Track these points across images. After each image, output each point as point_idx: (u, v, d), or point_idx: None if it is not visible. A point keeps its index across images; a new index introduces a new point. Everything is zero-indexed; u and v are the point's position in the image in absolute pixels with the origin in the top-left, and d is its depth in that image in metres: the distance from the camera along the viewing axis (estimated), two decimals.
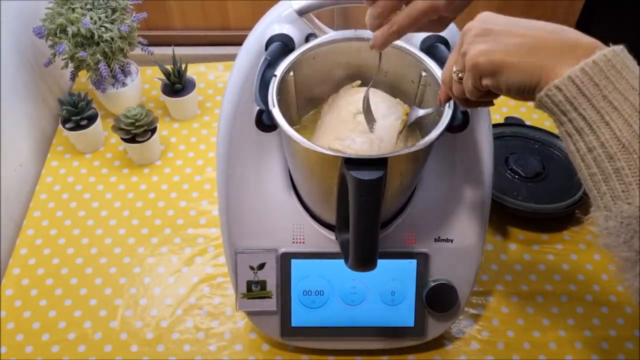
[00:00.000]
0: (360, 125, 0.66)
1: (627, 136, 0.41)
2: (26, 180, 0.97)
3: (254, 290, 0.74)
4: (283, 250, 0.73)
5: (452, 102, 0.60)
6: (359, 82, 0.72)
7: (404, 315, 0.75)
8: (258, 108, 0.61)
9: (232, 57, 0.71)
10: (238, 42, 0.70)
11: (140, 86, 1.05)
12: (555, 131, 0.99)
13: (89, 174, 0.98)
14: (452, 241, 0.74)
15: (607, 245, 0.45)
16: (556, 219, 0.91)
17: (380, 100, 0.68)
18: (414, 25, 0.53)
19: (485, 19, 0.48)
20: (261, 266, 0.74)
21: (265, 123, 0.62)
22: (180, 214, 0.93)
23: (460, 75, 0.50)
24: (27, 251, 0.88)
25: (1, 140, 0.90)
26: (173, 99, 1.02)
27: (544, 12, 1.15)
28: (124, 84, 1.01)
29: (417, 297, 0.75)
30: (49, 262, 0.87)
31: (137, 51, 1.02)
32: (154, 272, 0.86)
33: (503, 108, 1.09)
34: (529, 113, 1.08)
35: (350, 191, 0.58)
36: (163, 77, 1.01)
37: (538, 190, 0.91)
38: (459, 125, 0.63)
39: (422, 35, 0.68)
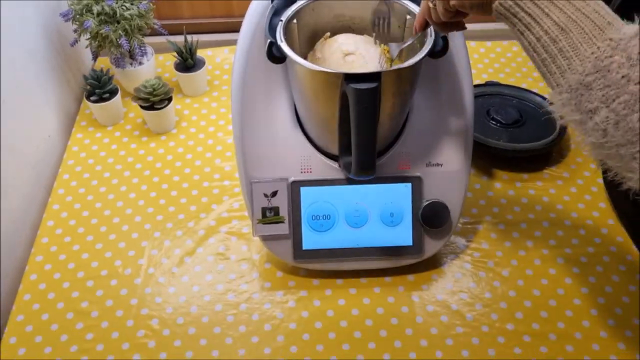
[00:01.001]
0: (354, 65, 0.76)
1: (564, 20, 0.52)
2: (54, 150, 1.07)
3: (268, 216, 0.83)
4: (293, 179, 0.83)
5: (428, 30, 0.71)
6: (328, 34, 0.81)
7: (403, 234, 0.85)
8: (269, 41, 0.72)
9: (236, 42, 0.81)
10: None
11: (154, 65, 1.16)
12: (530, 87, 1.11)
13: (111, 142, 1.08)
14: (441, 165, 0.83)
15: (563, 116, 0.56)
16: (534, 157, 1.01)
17: (358, 40, 0.79)
18: None
19: None
20: (274, 194, 0.83)
21: (275, 54, 0.73)
22: (196, 171, 1.03)
23: (434, 3, 0.63)
24: (59, 207, 0.97)
25: (30, 114, 1.00)
26: (186, 74, 1.13)
27: None
28: (140, 63, 1.12)
29: (414, 218, 0.84)
30: (80, 215, 0.96)
31: (151, 39, 1.13)
32: (174, 219, 0.95)
33: (483, 74, 1.20)
34: (506, 78, 1.19)
35: (350, 103, 0.68)
36: (176, 56, 1.12)
37: (517, 134, 1.02)
38: (440, 50, 0.73)
39: None
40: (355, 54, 0.77)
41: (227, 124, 1.11)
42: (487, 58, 1.25)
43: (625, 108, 0.50)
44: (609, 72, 0.50)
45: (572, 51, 0.52)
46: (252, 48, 0.79)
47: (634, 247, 0.90)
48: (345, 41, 0.79)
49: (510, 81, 1.18)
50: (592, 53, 0.50)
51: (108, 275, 0.88)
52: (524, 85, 1.15)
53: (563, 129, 1.01)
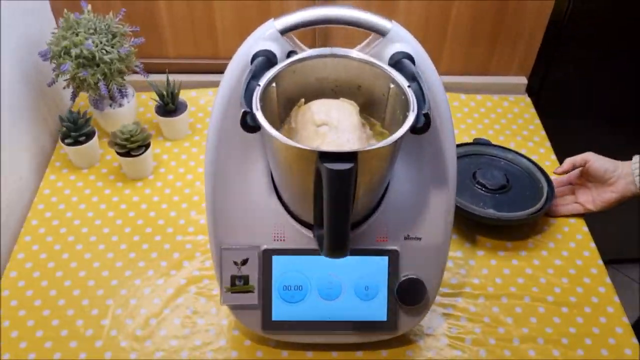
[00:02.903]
0: (326, 137, 0.73)
1: None
2: (25, 192, 1.03)
3: (237, 284, 0.80)
4: (265, 247, 0.79)
5: (415, 105, 0.69)
6: (302, 100, 0.79)
7: (377, 309, 0.81)
8: (243, 110, 0.69)
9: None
10: None
11: (135, 107, 1.13)
12: (519, 150, 1.08)
13: (84, 187, 1.05)
14: (420, 239, 0.80)
15: None
16: (519, 226, 0.98)
17: (332, 107, 0.76)
18: None
19: None
20: (244, 262, 0.80)
21: (249, 124, 0.69)
22: (170, 223, 0.99)
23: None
24: (24, 256, 0.94)
25: (2, 154, 0.96)
26: (166, 119, 1.10)
27: (516, 12, 1.18)
28: (120, 105, 1.09)
29: (389, 292, 0.81)
30: (45, 266, 0.92)
31: (134, 77, 1.10)
32: (144, 275, 0.92)
33: (472, 130, 1.18)
34: (495, 135, 1.17)
35: (324, 182, 0.65)
36: (157, 99, 1.09)
37: (503, 201, 0.98)
38: (422, 127, 0.71)
39: (391, 51, 0.77)
40: (328, 124, 0.74)
41: None
42: (477, 112, 1.22)
43: None
44: None
45: None
46: (229, 107, 0.76)
47: (616, 328, 0.87)
48: (318, 109, 0.75)
49: (500, 140, 1.15)
50: None
51: (67, 336, 0.84)
52: (512, 145, 1.13)
53: (550, 197, 0.98)
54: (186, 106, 1.12)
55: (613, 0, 1.16)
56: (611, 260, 1.04)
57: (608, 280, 0.93)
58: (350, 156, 0.64)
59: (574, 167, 0.98)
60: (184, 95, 1.16)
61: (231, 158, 0.78)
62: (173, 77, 1.11)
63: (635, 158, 0.93)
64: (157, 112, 1.10)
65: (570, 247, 0.97)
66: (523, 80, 1.27)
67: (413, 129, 0.69)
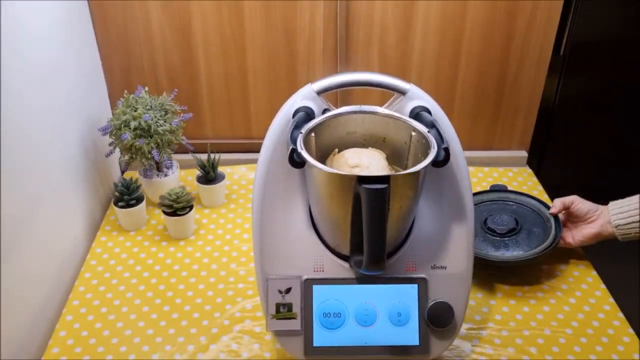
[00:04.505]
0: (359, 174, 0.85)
1: None
2: (79, 251, 1.13)
3: (281, 311, 0.87)
4: (306, 277, 0.88)
5: (435, 144, 0.81)
6: (336, 150, 0.91)
7: (410, 334, 0.88)
8: (291, 148, 0.82)
9: (253, 161, 0.91)
10: (259, 149, 0.89)
11: (178, 178, 1.26)
12: (531, 192, 1.20)
13: (132, 246, 1.15)
14: (445, 268, 0.89)
15: None
16: (532, 270, 1.07)
17: (363, 154, 0.89)
18: None
19: None
20: (288, 290, 0.88)
21: (295, 160, 0.82)
22: (212, 274, 1.08)
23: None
24: (79, 303, 1.02)
25: (60, 216, 1.08)
26: (206, 186, 1.22)
27: (512, 94, 1.34)
28: (166, 175, 1.22)
29: (420, 318, 0.88)
30: (98, 311, 1.00)
31: (177, 157, 1.25)
32: (190, 317, 0.99)
33: (489, 178, 1.31)
34: (509, 181, 1.29)
35: (363, 202, 0.76)
36: (199, 169, 1.23)
37: (512, 243, 1.08)
38: (442, 160, 0.83)
39: (411, 106, 0.91)
40: (360, 165, 0.86)
41: (242, 232, 1.19)
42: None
43: None
44: None
45: None
46: (274, 156, 0.88)
47: (634, 354, 0.92)
48: (351, 156, 0.88)
49: (513, 185, 1.28)
50: None
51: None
52: (525, 187, 1.25)
53: (557, 234, 1.07)
54: (224, 177, 1.25)
55: (600, 83, 1.34)
56: None
57: (621, 314, 1.00)
58: (384, 179, 0.76)
59: (564, 207, 1.09)
60: (220, 170, 1.30)
61: (275, 198, 0.89)
62: (211, 154, 1.25)
63: (612, 204, 1.05)
64: (199, 180, 1.23)
65: (583, 288, 1.05)
66: (524, 154, 1.41)
67: (435, 162, 0.81)
